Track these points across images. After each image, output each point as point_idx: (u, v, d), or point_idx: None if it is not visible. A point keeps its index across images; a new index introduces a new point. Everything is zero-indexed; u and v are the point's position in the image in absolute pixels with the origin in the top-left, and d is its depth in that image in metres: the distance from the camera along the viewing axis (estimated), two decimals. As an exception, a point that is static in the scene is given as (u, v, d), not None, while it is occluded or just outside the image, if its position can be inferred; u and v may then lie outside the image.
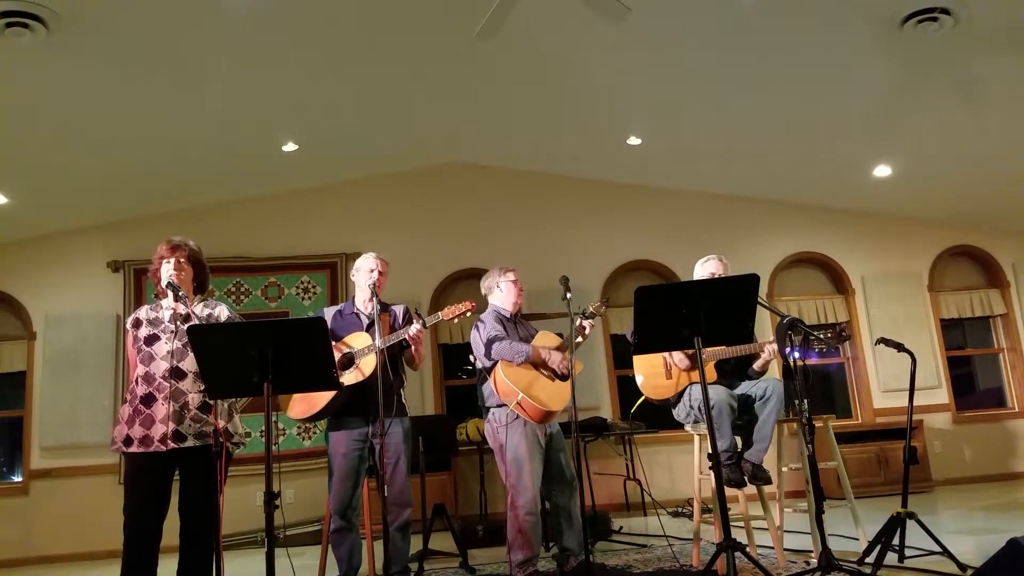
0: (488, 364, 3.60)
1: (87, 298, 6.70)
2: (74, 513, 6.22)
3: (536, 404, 3.44)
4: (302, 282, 7.08)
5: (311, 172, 6.98)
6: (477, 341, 3.66)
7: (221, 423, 3.01)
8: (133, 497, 3.00)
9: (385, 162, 7.16)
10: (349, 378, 3.41)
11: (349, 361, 3.46)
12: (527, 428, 3.50)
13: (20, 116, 5.10)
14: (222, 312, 3.23)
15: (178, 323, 3.13)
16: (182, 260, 3.18)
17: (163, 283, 3.13)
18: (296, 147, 6.34)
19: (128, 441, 3.01)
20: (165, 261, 3.17)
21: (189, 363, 3.07)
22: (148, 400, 3.03)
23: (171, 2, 4.24)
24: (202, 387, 3.04)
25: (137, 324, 3.18)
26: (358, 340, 3.52)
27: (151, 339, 3.12)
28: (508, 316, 3.78)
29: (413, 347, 3.48)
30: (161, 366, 3.06)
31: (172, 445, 2.97)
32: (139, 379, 3.07)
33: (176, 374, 3.05)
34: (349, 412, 3.47)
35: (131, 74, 4.85)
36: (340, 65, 5.28)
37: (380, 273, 3.62)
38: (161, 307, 3.22)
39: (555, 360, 3.59)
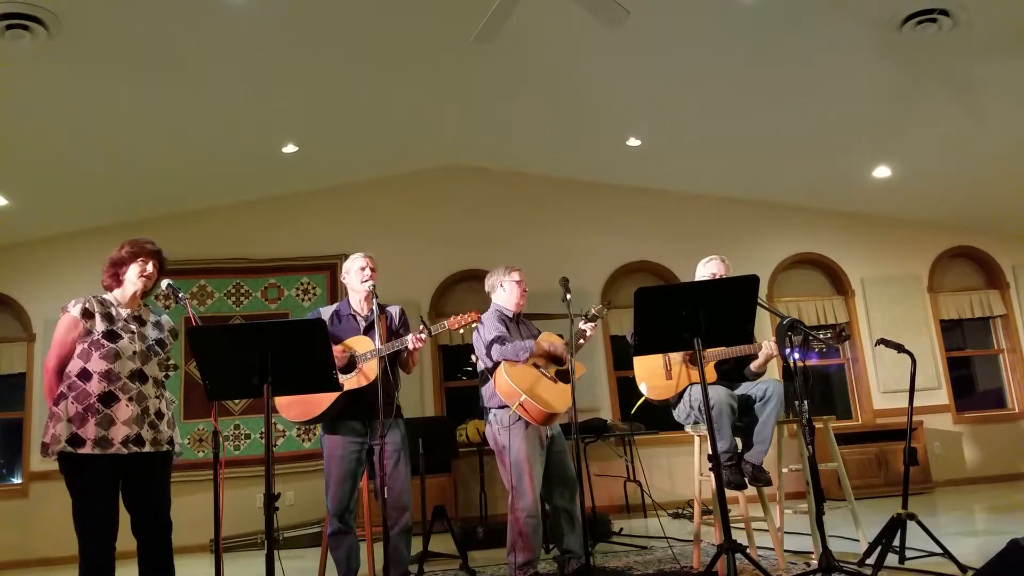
0: (490, 365, 3.59)
1: (87, 300, 6.69)
2: (74, 515, 6.20)
3: (539, 405, 3.43)
4: (302, 283, 7.08)
5: (311, 174, 6.98)
6: (479, 342, 3.65)
7: (169, 433, 2.99)
8: (93, 503, 2.78)
9: (385, 164, 7.16)
10: (351, 382, 3.40)
11: (351, 364, 3.45)
12: (529, 430, 3.50)
13: (20, 118, 5.10)
14: (168, 320, 3.16)
15: (137, 325, 2.98)
16: (158, 270, 3.04)
17: (136, 281, 2.98)
18: (296, 149, 6.35)
19: (77, 441, 2.76)
20: (143, 263, 3.00)
21: (151, 368, 2.97)
22: (108, 399, 2.82)
23: (171, 4, 4.24)
24: (159, 394, 2.97)
25: (88, 315, 2.90)
26: (360, 344, 3.51)
27: (112, 335, 2.89)
28: (510, 316, 3.77)
29: (413, 354, 3.48)
30: (127, 366, 2.88)
31: (134, 449, 2.84)
32: (95, 375, 2.83)
33: (140, 377, 2.92)
34: (346, 415, 3.46)
35: (131, 76, 4.86)
36: (340, 67, 5.29)
37: (372, 270, 3.59)
38: (112, 303, 2.98)
39: (558, 346, 3.59)
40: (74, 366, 2.86)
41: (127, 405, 2.85)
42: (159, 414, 2.96)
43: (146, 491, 2.91)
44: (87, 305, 2.92)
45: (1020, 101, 5.57)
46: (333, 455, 3.45)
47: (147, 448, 2.88)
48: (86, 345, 2.87)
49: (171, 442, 3.01)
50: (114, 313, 2.96)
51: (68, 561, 6.09)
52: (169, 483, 3.00)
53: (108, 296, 3.02)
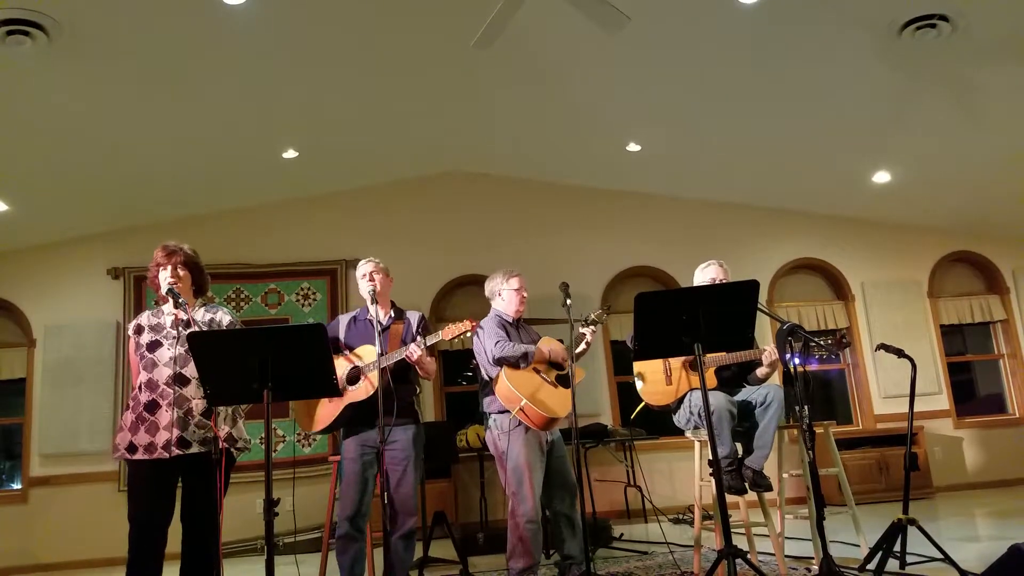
0: (492, 372, 3.58)
1: (87, 305, 6.70)
2: (73, 521, 6.20)
3: (540, 411, 3.43)
4: (302, 289, 7.09)
5: (311, 179, 6.99)
6: (480, 348, 3.65)
7: (223, 430, 3.01)
8: (138, 504, 2.98)
9: (385, 170, 7.17)
10: (360, 392, 3.41)
11: (356, 376, 3.46)
12: (529, 436, 3.50)
13: (21, 123, 5.10)
14: (224, 317, 3.21)
15: (180, 329, 3.11)
16: (179, 266, 3.16)
17: (162, 290, 3.13)
18: (296, 154, 6.35)
19: (132, 448, 3.00)
20: (162, 268, 3.15)
21: (192, 369, 3.04)
22: (152, 407, 3.01)
23: (172, 10, 4.25)
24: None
25: (139, 330, 3.16)
26: (367, 353, 3.52)
27: (153, 345, 3.10)
28: (510, 321, 3.78)
29: (418, 368, 3.47)
30: (164, 372, 3.04)
31: (176, 452, 2.96)
32: (142, 385, 3.05)
33: (179, 380, 3.04)
34: (358, 421, 3.48)
35: (131, 82, 4.87)
36: (340, 72, 5.30)
37: (373, 274, 3.61)
38: (163, 313, 3.19)
39: (557, 352, 3.59)
40: (136, 380, 3.13)
41: (167, 410, 3.01)
42: (208, 413, 3.03)
43: (192, 490, 3.02)
44: (139, 321, 3.20)
45: (1020, 106, 5.58)
46: (347, 457, 3.49)
47: (194, 449, 2.99)
48: (140, 359, 3.12)
49: (230, 440, 3.05)
50: (162, 322, 3.16)
51: (67, 567, 6.08)
52: (220, 483, 2.96)
53: (164, 306, 3.22)
